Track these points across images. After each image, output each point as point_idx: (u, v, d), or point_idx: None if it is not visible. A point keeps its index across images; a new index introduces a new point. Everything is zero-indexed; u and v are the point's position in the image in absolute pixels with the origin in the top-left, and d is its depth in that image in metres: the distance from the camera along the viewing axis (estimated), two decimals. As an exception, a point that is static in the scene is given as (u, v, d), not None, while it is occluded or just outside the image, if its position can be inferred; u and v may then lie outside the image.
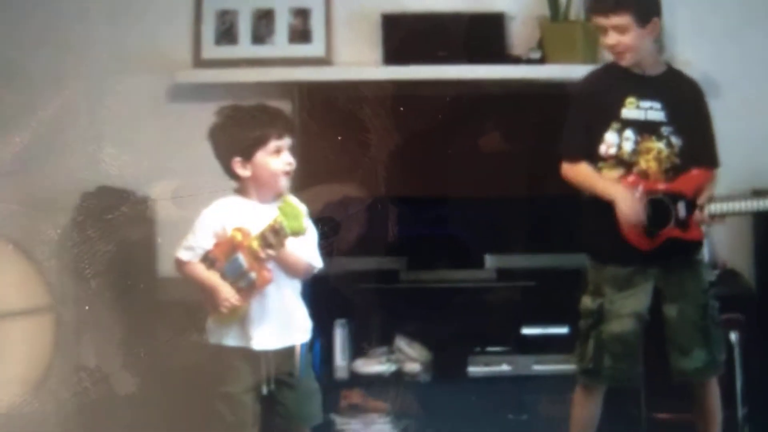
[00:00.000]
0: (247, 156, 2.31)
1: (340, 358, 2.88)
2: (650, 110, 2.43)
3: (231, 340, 2.34)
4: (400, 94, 2.87)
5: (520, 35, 2.97)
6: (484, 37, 2.94)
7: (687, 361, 2.41)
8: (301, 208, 2.27)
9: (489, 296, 2.89)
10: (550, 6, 2.93)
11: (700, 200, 2.40)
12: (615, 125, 2.42)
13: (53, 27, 2.83)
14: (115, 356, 2.77)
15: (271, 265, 2.30)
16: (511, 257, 2.92)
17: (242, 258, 2.28)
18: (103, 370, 2.76)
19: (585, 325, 2.45)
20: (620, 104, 2.42)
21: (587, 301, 2.45)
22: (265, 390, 2.34)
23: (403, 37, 2.92)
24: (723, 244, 2.92)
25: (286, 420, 2.38)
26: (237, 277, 2.29)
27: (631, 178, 2.42)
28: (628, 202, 2.37)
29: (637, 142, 2.42)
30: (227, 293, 2.30)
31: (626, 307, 2.41)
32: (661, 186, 2.42)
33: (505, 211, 2.87)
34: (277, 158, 2.32)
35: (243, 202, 2.35)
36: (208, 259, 2.33)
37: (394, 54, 2.92)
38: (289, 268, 2.32)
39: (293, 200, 2.28)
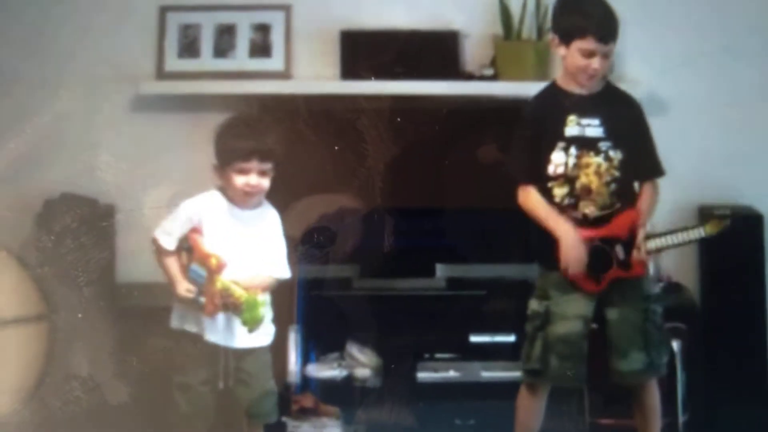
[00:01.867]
0: (220, 167, 2.43)
1: (292, 363, 2.93)
2: (588, 127, 2.50)
3: (191, 326, 2.42)
4: (356, 108, 2.94)
5: (474, 53, 3.04)
6: (439, 54, 3.01)
7: (624, 363, 2.47)
8: (262, 313, 2.39)
9: (439, 305, 2.96)
10: (504, 25, 3.02)
11: (637, 241, 2.46)
12: (560, 144, 2.49)
13: (36, 36, 2.93)
14: (107, 365, 2.79)
15: None
16: (462, 267, 2.99)
17: (204, 276, 2.38)
18: (95, 379, 2.79)
19: (532, 327, 2.52)
20: (563, 123, 2.49)
21: (534, 304, 2.53)
22: (221, 384, 2.42)
23: (361, 53, 2.99)
24: (668, 259, 2.96)
25: (242, 416, 2.46)
26: (193, 284, 2.40)
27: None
28: (572, 248, 2.45)
29: (577, 158, 2.48)
30: (182, 290, 2.40)
31: (571, 309, 2.49)
32: (597, 233, 2.47)
33: (456, 222, 2.93)
34: (242, 177, 2.40)
35: (223, 203, 2.44)
36: (185, 246, 2.42)
37: (351, 69, 2.99)
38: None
39: (261, 303, 2.38)
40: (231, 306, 2.37)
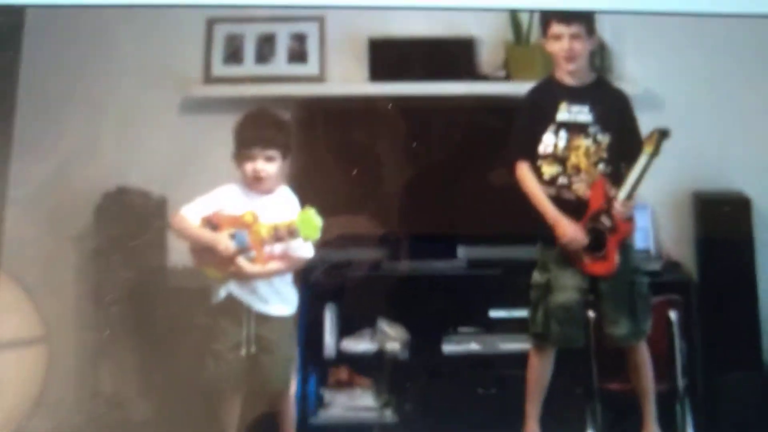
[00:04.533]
0: (234, 156, 2.69)
1: (329, 338, 3.15)
2: (579, 113, 2.80)
3: (238, 292, 2.62)
4: (384, 108, 3.16)
5: (488, 58, 3.29)
6: (456, 58, 3.26)
7: (615, 329, 2.78)
8: (317, 222, 2.61)
9: (461, 284, 3.18)
10: (514, 32, 3.26)
11: (613, 202, 2.74)
12: (551, 127, 2.79)
13: (89, 55, 3.10)
14: (131, 382, 2.83)
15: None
16: (481, 249, 3.20)
17: (245, 233, 2.59)
18: (120, 396, 2.82)
19: (535, 296, 2.82)
20: (555, 109, 2.80)
21: (536, 276, 2.83)
22: (244, 351, 2.62)
23: (388, 59, 3.23)
24: (668, 238, 3.22)
25: (260, 382, 2.67)
26: (239, 250, 2.59)
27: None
28: (566, 230, 2.73)
29: (568, 140, 2.78)
30: (225, 243, 2.58)
31: (568, 281, 2.79)
32: (584, 216, 2.75)
33: (475, 207, 3.14)
34: (250, 163, 2.64)
35: (240, 190, 2.68)
36: (210, 223, 2.61)
37: (379, 73, 3.22)
38: (286, 260, 2.64)
39: (312, 213, 2.61)
40: (286, 235, 2.55)
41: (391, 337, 3.18)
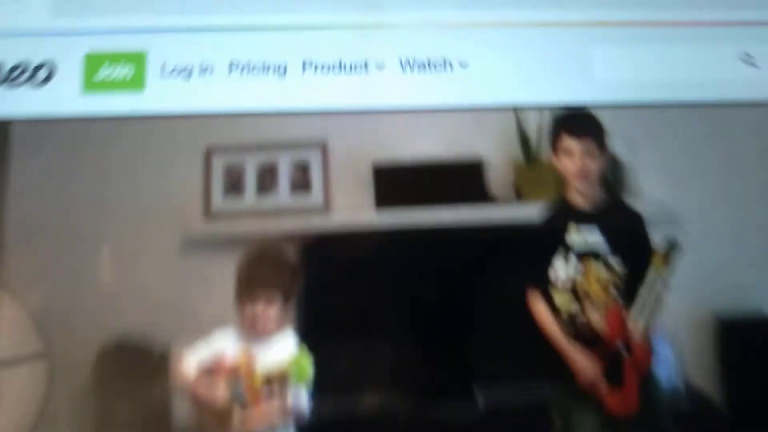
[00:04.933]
0: (235, 297, 2.57)
1: None
2: (589, 236, 2.67)
3: None
4: (392, 240, 3.03)
5: (497, 179, 3.18)
6: (465, 181, 3.14)
7: None
8: (308, 364, 2.47)
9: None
10: (523, 151, 3.16)
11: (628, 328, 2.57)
12: (561, 251, 2.65)
13: (80, 189, 3.00)
14: None
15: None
16: (501, 388, 2.94)
17: (242, 385, 2.42)
18: None
19: None
20: (565, 232, 2.65)
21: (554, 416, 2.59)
22: None
23: (393, 185, 3.12)
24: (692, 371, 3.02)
25: None
26: (235, 403, 2.42)
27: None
28: (586, 369, 2.54)
29: (579, 265, 2.63)
30: (224, 393, 2.40)
31: (589, 421, 2.55)
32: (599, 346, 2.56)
33: (491, 344, 2.95)
34: (249, 306, 2.51)
35: (238, 334, 2.53)
36: (208, 370, 2.47)
37: (384, 199, 3.10)
38: (280, 412, 2.47)
39: (303, 356, 2.46)
40: (278, 382, 2.41)
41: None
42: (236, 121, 2.83)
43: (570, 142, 2.69)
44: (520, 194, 3.17)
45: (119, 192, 3.08)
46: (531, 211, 3.05)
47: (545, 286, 2.65)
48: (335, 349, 2.89)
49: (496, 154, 3.19)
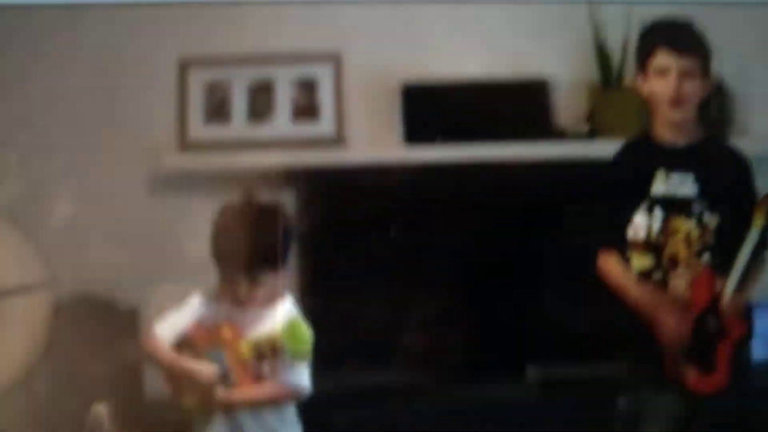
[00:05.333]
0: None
1: None
2: (681, 185, 2.32)
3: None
4: (424, 179, 2.62)
5: (565, 106, 2.72)
6: (523, 108, 2.69)
7: None
8: (308, 333, 2.23)
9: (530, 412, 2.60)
10: (601, 70, 2.69)
11: (720, 297, 2.25)
12: (644, 204, 2.31)
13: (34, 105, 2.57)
14: None
15: None
16: (555, 368, 2.64)
17: (225, 356, 2.22)
18: None
19: (620, 428, 2.31)
20: (650, 180, 2.32)
21: (622, 403, 2.30)
22: None
23: (428, 111, 2.68)
24: None
25: None
26: (221, 377, 2.23)
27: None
28: (668, 319, 2.23)
29: (665, 222, 2.30)
30: (209, 373, 2.19)
31: (663, 409, 2.27)
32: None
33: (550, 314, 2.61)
34: (232, 286, 2.23)
35: (224, 302, 2.28)
36: (186, 343, 2.26)
37: (416, 130, 2.66)
38: (273, 394, 2.25)
39: (301, 322, 2.24)
40: (270, 352, 2.22)
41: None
42: (218, 22, 2.52)
43: (666, 59, 2.30)
44: (594, 126, 2.69)
45: (72, 115, 2.62)
46: (607, 149, 2.55)
47: (622, 247, 2.32)
48: (350, 315, 2.56)
49: (565, 73, 2.71)
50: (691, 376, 2.29)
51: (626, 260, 2.33)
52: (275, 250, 2.25)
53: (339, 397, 2.53)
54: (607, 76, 2.72)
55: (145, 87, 2.67)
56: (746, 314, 2.33)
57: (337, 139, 2.70)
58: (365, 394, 2.62)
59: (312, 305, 2.41)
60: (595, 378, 2.61)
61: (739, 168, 2.35)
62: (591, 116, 2.73)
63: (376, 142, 2.71)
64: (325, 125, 2.70)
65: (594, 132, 2.72)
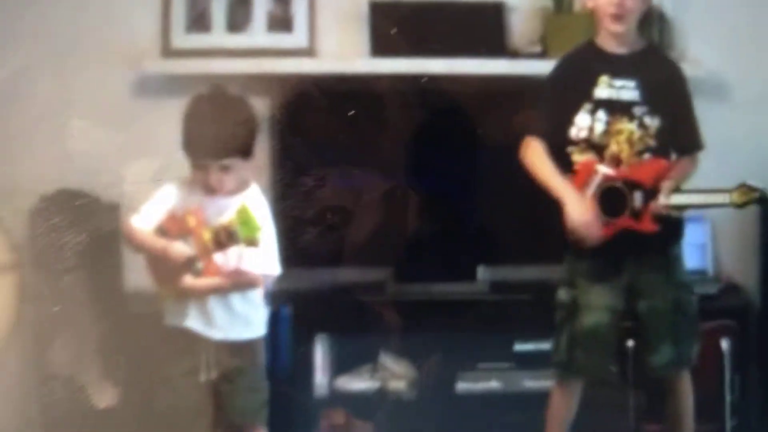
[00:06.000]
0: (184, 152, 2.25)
1: (320, 375, 2.71)
2: (623, 89, 2.33)
3: (191, 321, 2.25)
4: (388, 89, 2.68)
5: (520, 28, 2.79)
6: (481, 28, 2.75)
7: (656, 356, 2.37)
8: (259, 219, 2.18)
9: (481, 310, 2.70)
10: None
11: (663, 190, 2.28)
12: (587, 106, 2.33)
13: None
14: (91, 364, 2.58)
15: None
16: (506, 269, 2.76)
17: (191, 243, 2.20)
18: (77, 380, 2.56)
19: (559, 318, 2.41)
20: (593, 84, 2.33)
21: (562, 294, 2.41)
22: (203, 377, 2.26)
23: (393, 27, 2.71)
24: (729, 258, 2.82)
25: (225, 413, 2.31)
26: (191, 258, 2.21)
27: (588, 160, 2.31)
28: (576, 206, 2.29)
29: (608, 123, 2.32)
30: (179, 248, 2.18)
31: (598, 300, 2.37)
32: (618, 173, 2.31)
33: (500, 218, 2.70)
34: (201, 173, 2.21)
35: (195, 192, 2.26)
36: (160, 230, 2.26)
37: (382, 45, 2.72)
38: (239, 281, 2.25)
39: (251, 208, 2.19)
40: (226, 239, 2.16)
41: (395, 374, 2.76)
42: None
43: None
44: (545, 47, 2.78)
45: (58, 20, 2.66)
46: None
47: (563, 144, 2.34)
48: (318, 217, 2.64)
49: (520, -2, 2.80)
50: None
51: (566, 156, 2.35)
52: (243, 137, 2.24)
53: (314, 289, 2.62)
54: (560, 2, 2.76)
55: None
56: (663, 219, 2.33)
57: (309, 50, 2.77)
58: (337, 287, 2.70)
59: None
60: (539, 278, 2.70)
61: (676, 75, 2.39)
62: (543, 38, 2.79)
63: (345, 53, 2.77)
64: (298, 37, 2.76)
65: (545, 53, 2.76)
